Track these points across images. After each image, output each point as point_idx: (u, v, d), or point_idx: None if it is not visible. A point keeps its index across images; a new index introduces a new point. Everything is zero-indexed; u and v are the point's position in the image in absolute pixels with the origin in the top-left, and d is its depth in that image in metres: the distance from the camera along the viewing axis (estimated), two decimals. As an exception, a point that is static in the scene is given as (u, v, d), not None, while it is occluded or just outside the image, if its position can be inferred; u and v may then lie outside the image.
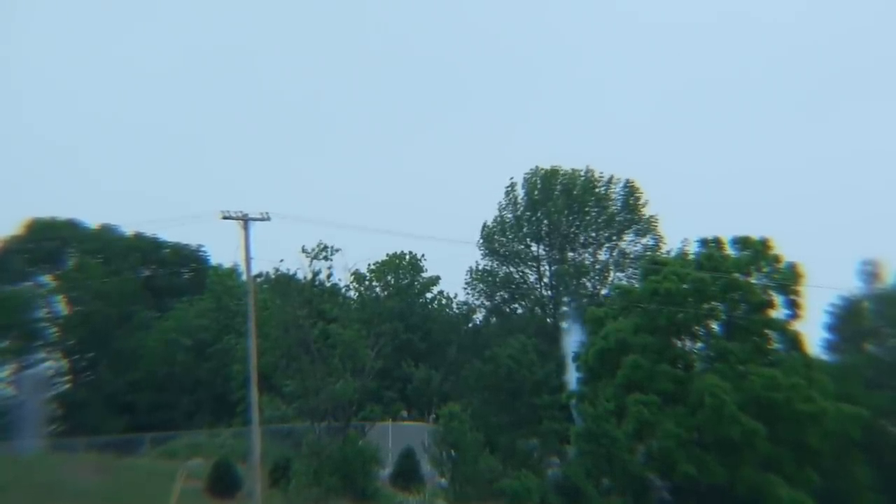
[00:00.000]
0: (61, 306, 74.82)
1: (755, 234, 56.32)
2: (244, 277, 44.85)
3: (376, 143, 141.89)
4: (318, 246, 47.00)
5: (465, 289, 78.24)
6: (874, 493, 52.65)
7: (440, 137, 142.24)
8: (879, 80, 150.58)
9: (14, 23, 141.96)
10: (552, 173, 77.39)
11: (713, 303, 53.24)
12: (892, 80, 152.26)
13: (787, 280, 53.82)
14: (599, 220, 77.00)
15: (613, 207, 77.32)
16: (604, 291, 74.49)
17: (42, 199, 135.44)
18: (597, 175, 77.61)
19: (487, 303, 78.87)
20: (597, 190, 77.46)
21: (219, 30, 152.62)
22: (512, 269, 78.04)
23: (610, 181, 77.70)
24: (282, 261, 49.72)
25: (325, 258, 47.45)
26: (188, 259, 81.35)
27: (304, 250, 46.94)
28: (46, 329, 73.43)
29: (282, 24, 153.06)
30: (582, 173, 77.55)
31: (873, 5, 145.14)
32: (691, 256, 57.54)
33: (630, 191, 77.61)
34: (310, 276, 48.51)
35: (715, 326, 53.95)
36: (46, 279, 76.01)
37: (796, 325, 54.17)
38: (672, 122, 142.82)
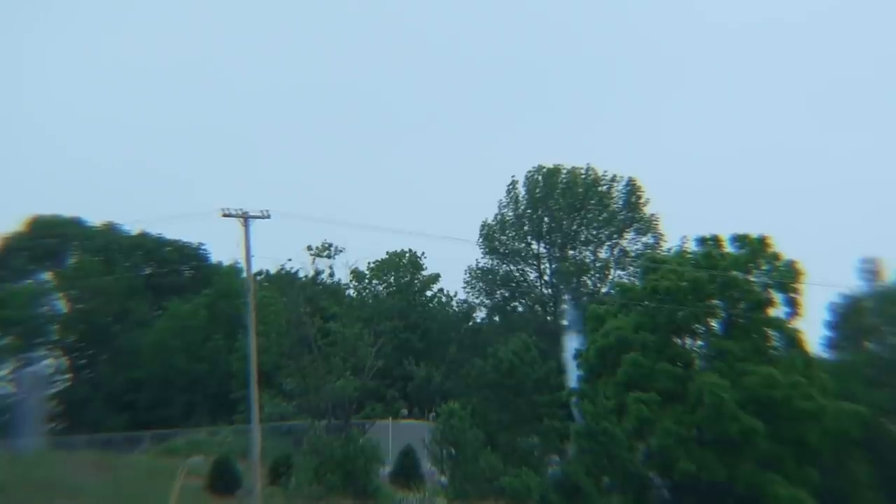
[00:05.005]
0: (62, 304, 74.91)
1: (755, 232, 56.29)
2: (244, 275, 44.83)
3: (376, 140, 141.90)
4: (322, 244, 47.23)
5: (465, 287, 78.46)
6: (874, 491, 52.47)
7: (440, 135, 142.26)
8: (880, 78, 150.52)
9: (18, 21, 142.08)
10: (554, 171, 77.45)
11: (712, 301, 53.20)
12: (891, 78, 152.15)
13: (787, 278, 53.71)
14: (601, 219, 77.09)
15: (615, 206, 77.40)
16: (604, 289, 74.56)
17: (45, 196, 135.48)
18: (599, 173, 77.77)
19: (487, 301, 78.96)
20: (598, 188, 77.55)
21: (221, 26, 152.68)
22: (512, 267, 78.11)
23: (612, 180, 77.83)
24: (289, 260, 50.09)
25: (329, 256, 47.68)
26: (189, 257, 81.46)
27: (309, 248, 47.22)
28: (47, 326, 73.49)
29: (280, 20, 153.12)
30: (584, 171, 77.64)
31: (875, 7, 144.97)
32: (689, 255, 57.46)
33: (632, 189, 77.69)
34: (312, 273, 48.80)
35: (715, 325, 53.91)
36: (47, 277, 76.06)
37: (796, 324, 54.06)
38: (673, 120, 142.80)
